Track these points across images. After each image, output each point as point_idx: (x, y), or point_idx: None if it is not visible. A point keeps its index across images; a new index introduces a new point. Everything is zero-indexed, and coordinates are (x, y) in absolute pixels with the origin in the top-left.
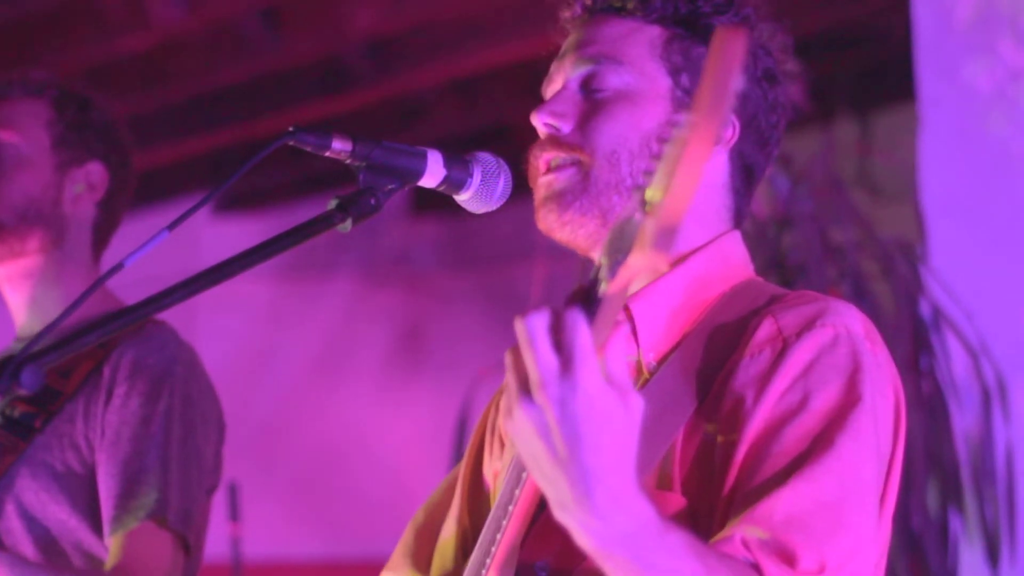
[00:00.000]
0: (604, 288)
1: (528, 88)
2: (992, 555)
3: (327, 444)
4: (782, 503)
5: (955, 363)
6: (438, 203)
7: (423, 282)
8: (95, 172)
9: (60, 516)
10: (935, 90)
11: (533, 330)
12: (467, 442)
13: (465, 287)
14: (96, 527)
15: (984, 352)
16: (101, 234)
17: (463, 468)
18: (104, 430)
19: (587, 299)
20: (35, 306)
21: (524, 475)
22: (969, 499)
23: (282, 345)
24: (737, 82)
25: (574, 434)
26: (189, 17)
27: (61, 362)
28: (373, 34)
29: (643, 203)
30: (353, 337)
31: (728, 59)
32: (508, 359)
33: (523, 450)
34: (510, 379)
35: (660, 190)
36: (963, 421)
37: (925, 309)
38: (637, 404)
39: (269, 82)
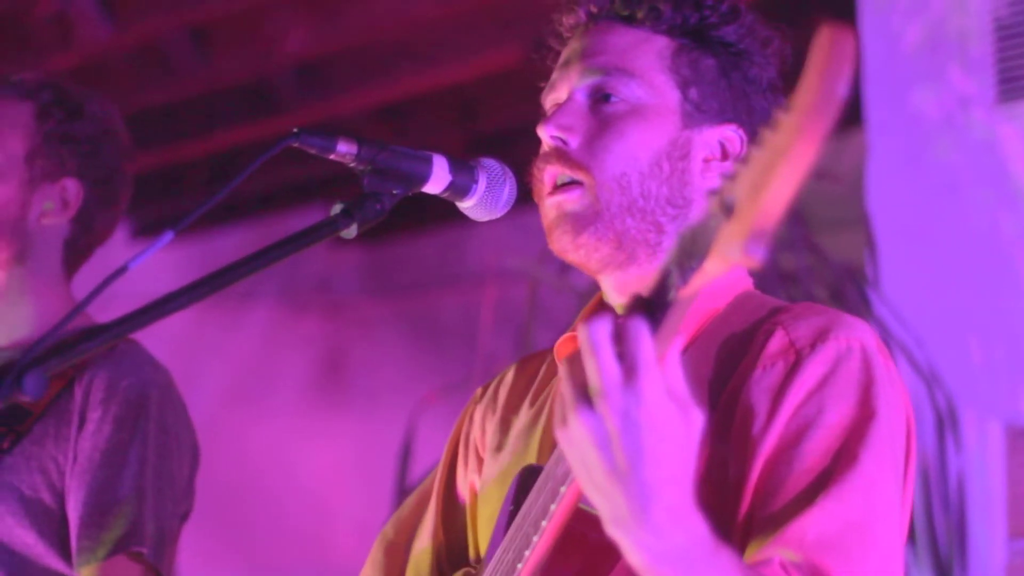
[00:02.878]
0: (673, 295)
1: (457, 113)
2: None
3: (248, 473)
4: (812, 524)
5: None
6: None
7: (344, 309)
8: (70, 189)
9: (27, 541)
10: (883, 116)
11: (597, 337)
12: (412, 467)
13: (387, 314)
14: (64, 553)
15: (934, 378)
16: (75, 250)
17: (436, 482)
18: (76, 455)
19: (650, 307)
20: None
21: (563, 490)
22: (920, 528)
23: (201, 373)
24: (845, 85)
25: (636, 446)
26: (116, 36)
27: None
28: (302, 57)
29: (722, 208)
30: (274, 365)
31: (835, 59)
32: (563, 367)
33: (576, 460)
34: (567, 387)
35: (749, 195)
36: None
37: None
38: (698, 418)
39: (196, 104)
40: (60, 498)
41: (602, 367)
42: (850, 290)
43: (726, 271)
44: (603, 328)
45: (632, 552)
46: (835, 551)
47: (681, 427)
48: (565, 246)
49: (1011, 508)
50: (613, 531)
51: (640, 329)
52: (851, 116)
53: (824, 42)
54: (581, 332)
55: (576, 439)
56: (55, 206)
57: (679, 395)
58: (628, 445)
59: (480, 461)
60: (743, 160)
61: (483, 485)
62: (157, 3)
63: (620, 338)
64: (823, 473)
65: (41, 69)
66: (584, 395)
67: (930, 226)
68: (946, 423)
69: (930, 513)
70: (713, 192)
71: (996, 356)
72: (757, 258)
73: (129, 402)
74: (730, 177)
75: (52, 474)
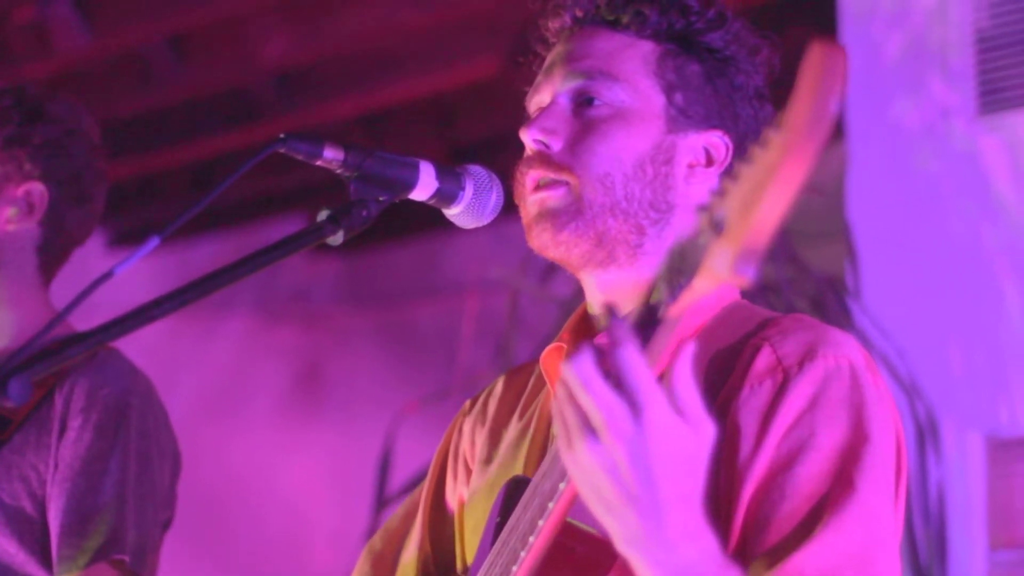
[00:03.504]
0: (663, 312)
1: (436, 122)
2: None
3: (226, 484)
4: (812, 557)
5: None
6: None
7: (322, 319)
8: (34, 193)
9: (8, 549)
10: (864, 127)
11: (583, 375)
12: (391, 477)
13: (365, 325)
14: (45, 562)
15: (915, 390)
16: (49, 254)
17: (424, 494)
18: (57, 464)
19: (641, 324)
20: None
21: (551, 506)
22: (902, 540)
23: (177, 383)
24: (836, 102)
25: (646, 472)
26: (94, 44)
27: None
28: (282, 65)
29: (712, 224)
30: (250, 375)
31: (827, 76)
32: (560, 392)
33: (586, 486)
34: (568, 414)
35: (739, 212)
36: None
37: None
38: (709, 432)
39: (175, 112)
40: (41, 506)
41: (598, 402)
42: (831, 301)
43: (715, 288)
44: (587, 364)
45: (644, 569)
46: None
47: (691, 443)
48: (545, 242)
49: (991, 519)
50: (625, 549)
51: (631, 356)
52: (832, 127)
53: (815, 58)
54: (565, 372)
55: (584, 466)
56: (20, 211)
57: (691, 410)
58: (638, 471)
59: (469, 473)
60: (731, 174)
61: (471, 496)
62: (136, 11)
63: (605, 361)
64: (820, 501)
65: (17, 77)
66: (588, 424)
67: (911, 237)
68: (926, 434)
69: (910, 525)
70: (703, 208)
71: (977, 367)
72: (747, 277)
73: (110, 410)
74: (719, 193)
75: (33, 482)
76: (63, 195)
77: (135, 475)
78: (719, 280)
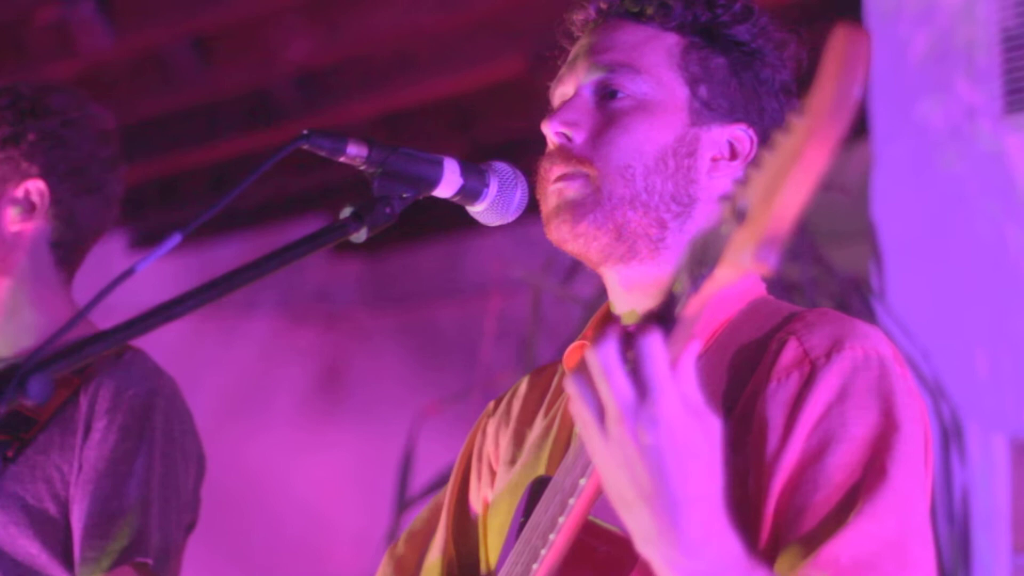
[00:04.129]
0: (683, 303)
1: (458, 123)
2: None
3: (246, 485)
4: (847, 545)
5: None
6: None
7: (344, 320)
8: (32, 190)
9: (30, 551)
10: (889, 127)
11: (606, 361)
12: (412, 478)
13: (387, 325)
14: (67, 564)
15: (939, 391)
16: (66, 249)
17: (448, 496)
18: (82, 465)
19: (662, 317)
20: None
21: (571, 503)
22: None
23: (199, 383)
24: (860, 87)
25: (658, 468)
26: (116, 45)
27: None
28: (303, 67)
29: (735, 213)
30: (272, 376)
31: (850, 61)
32: (575, 386)
33: (608, 482)
34: (586, 409)
35: (762, 200)
36: None
37: None
38: (715, 427)
39: (196, 113)
40: (64, 508)
41: (615, 391)
42: (855, 302)
43: (738, 278)
44: (610, 349)
45: (664, 571)
46: (872, 573)
47: (703, 442)
48: (564, 235)
49: (1015, 522)
50: (644, 549)
51: (652, 346)
52: (857, 126)
53: (838, 44)
54: (589, 355)
55: (602, 462)
56: (23, 210)
57: (694, 405)
58: (650, 467)
59: (493, 474)
60: (755, 163)
61: (495, 497)
62: (158, 12)
63: (630, 353)
64: (852, 489)
65: (40, 77)
66: (603, 416)
67: (936, 238)
68: (951, 436)
69: (934, 526)
70: (725, 197)
71: (1002, 369)
72: (770, 264)
73: (135, 411)
74: (742, 182)
75: (56, 483)
76: (69, 187)
77: (160, 477)
78: (741, 269)
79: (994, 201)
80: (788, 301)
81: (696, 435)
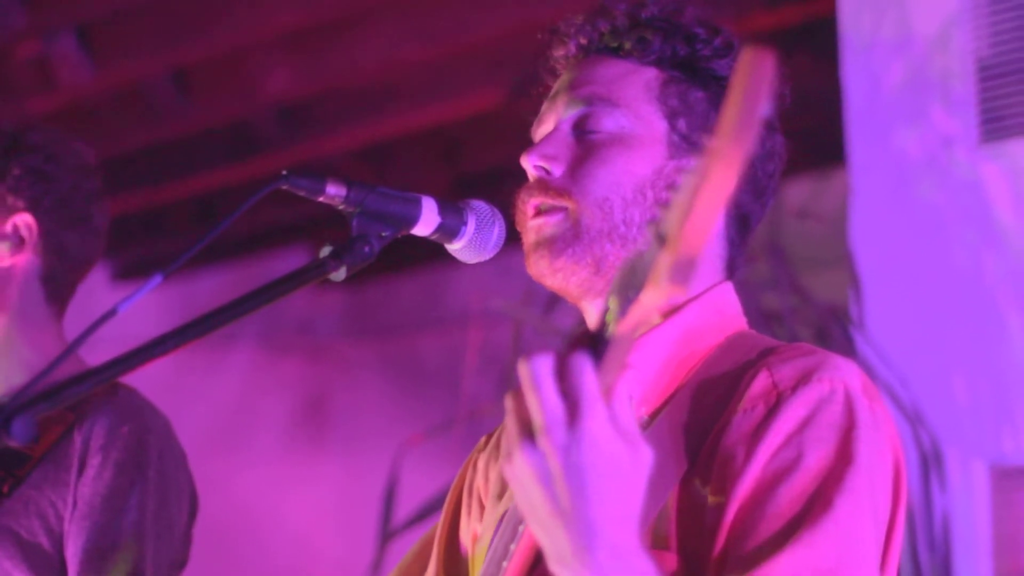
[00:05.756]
0: (613, 329)
1: (440, 154)
2: None
3: (232, 516)
4: (779, 569)
5: None
6: None
7: (326, 351)
8: (20, 225)
9: None
10: (866, 156)
11: (538, 374)
12: (396, 509)
13: (369, 356)
14: None
15: (918, 418)
16: (56, 283)
17: (439, 529)
18: (76, 501)
19: (594, 342)
20: None
21: (521, 528)
22: (905, 569)
23: (183, 415)
24: (765, 107)
25: (579, 484)
26: (97, 79)
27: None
28: (284, 99)
29: (657, 237)
30: (255, 407)
31: (756, 82)
32: (509, 403)
33: (521, 498)
34: (511, 423)
35: (677, 221)
36: None
37: None
38: (646, 455)
39: (178, 146)
40: (58, 542)
41: (544, 403)
42: (835, 330)
43: (663, 300)
44: (544, 363)
45: None
46: None
47: (628, 464)
48: (542, 270)
49: (996, 548)
50: (556, 569)
51: (583, 364)
52: (834, 155)
53: (744, 65)
54: (522, 368)
55: (520, 475)
56: (12, 245)
57: (626, 431)
58: (571, 483)
59: (483, 509)
60: (672, 187)
61: (483, 531)
62: (139, 45)
63: (563, 374)
64: (795, 517)
65: (22, 112)
66: (528, 431)
67: (914, 266)
68: (931, 463)
69: (915, 553)
70: (652, 222)
71: (980, 396)
72: (683, 286)
73: (129, 448)
74: (664, 205)
75: (50, 519)
76: (55, 220)
77: (154, 513)
78: (664, 292)
79: (971, 229)
80: (768, 330)
81: (622, 457)
